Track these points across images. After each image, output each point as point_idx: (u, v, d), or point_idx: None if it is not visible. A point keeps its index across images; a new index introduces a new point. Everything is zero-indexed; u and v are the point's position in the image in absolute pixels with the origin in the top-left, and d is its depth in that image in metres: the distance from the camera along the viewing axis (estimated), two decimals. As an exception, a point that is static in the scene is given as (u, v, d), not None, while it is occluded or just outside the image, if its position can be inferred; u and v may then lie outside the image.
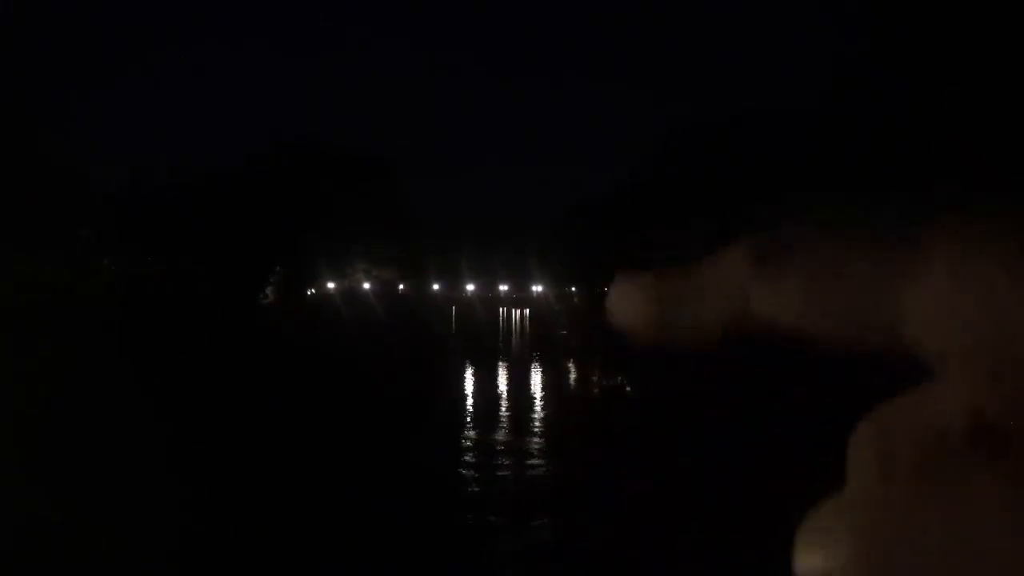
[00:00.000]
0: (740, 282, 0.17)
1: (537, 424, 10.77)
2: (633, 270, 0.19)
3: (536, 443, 9.34)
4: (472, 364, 17.95)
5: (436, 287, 65.15)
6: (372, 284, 43.83)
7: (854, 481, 0.16)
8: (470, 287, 75.87)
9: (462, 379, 15.96)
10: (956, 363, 0.14)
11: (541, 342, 25.60)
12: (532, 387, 15.24)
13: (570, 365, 18.63)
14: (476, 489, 7.29)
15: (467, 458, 8.50)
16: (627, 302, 0.19)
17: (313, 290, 40.02)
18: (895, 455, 0.15)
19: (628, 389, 14.85)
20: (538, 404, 12.83)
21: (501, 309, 59.16)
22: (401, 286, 49.95)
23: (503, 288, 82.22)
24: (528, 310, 54.10)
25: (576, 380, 17.03)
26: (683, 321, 0.18)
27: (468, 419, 11.20)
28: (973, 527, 0.13)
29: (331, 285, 41.33)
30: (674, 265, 0.19)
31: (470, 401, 13.12)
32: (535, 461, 8.45)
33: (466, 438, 9.67)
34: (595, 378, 16.71)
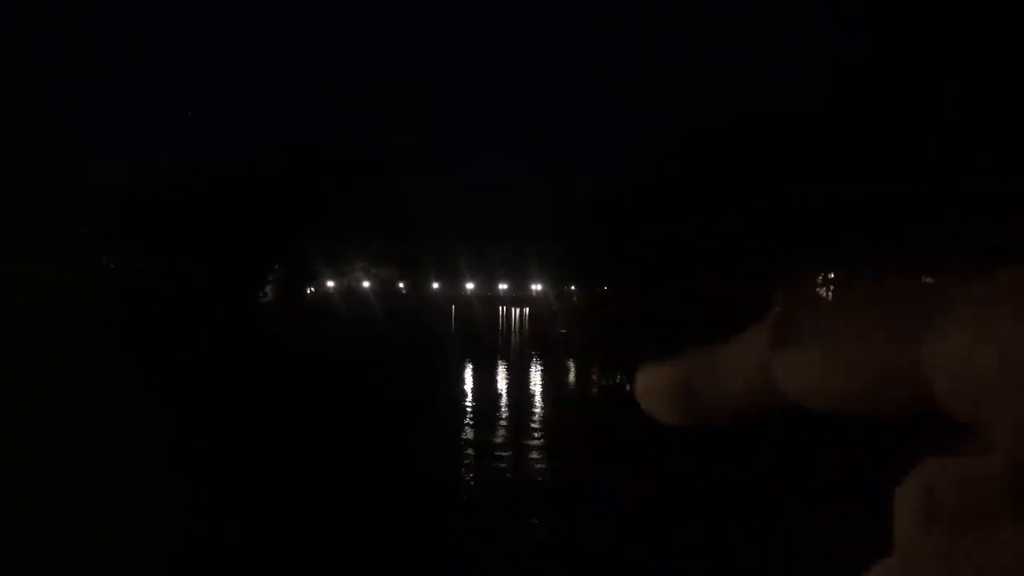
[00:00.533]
0: (764, 361, 0.17)
1: (537, 424, 10.77)
2: (656, 361, 0.20)
3: (536, 443, 9.34)
4: (472, 363, 17.95)
5: (436, 286, 65.14)
6: (372, 283, 43.84)
7: (901, 540, 0.16)
8: (470, 286, 75.86)
9: (462, 378, 15.96)
10: (990, 419, 0.14)
11: (540, 341, 25.61)
12: (532, 386, 15.25)
13: (569, 364, 18.64)
14: (476, 489, 7.30)
15: (467, 458, 8.51)
16: (655, 391, 0.20)
17: (312, 289, 40.02)
18: (940, 515, 0.15)
19: (628, 388, 14.82)
20: (538, 404, 12.84)
21: (501, 308, 59.19)
22: (401, 285, 49.96)
23: (503, 287, 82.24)
24: (527, 309, 54.11)
25: (575, 379, 17.04)
26: (711, 404, 0.18)
27: (468, 419, 11.20)
28: None
29: (331, 284, 41.33)
30: (695, 346, 0.19)
31: (470, 401, 13.12)
32: (535, 461, 8.45)
33: (466, 438, 9.68)
34: (594, 377, 16.72)
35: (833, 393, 0.16)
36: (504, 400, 13.25)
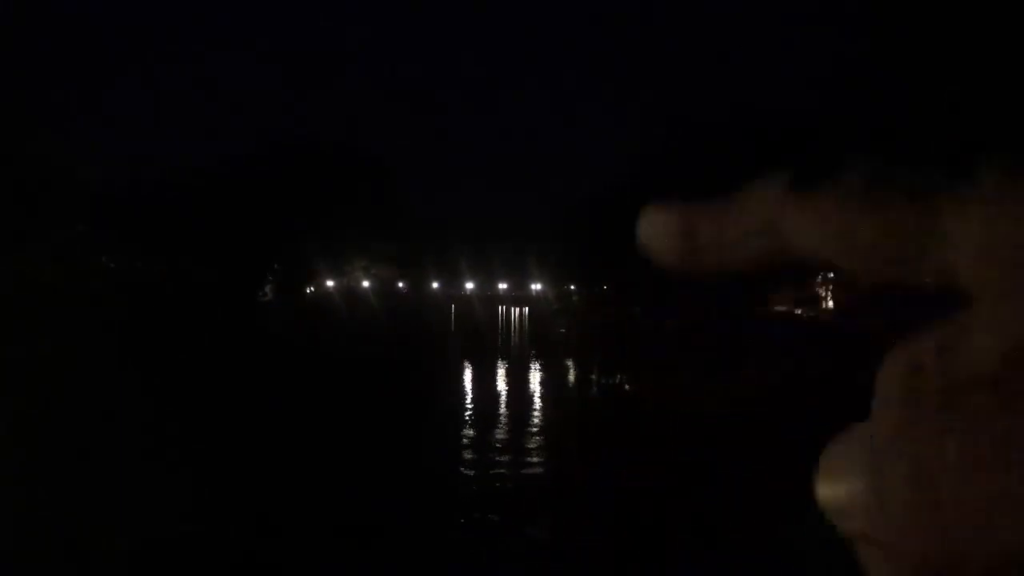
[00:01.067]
0: (775, 211, 0.17)
1: (536, 423, 10.78)
2: (664, 202, 0.19)
3: (535, 442, 9.35)
4: (471, 363, 17.95)
5: (435, 285, 65.17)
6: (371, 282, 43.85)
7: (879, 410, 0.15)
8: (469, 285, 75.84)
9: (462, 378, 15.97)
10: (993, 296, 0.14)
11: (540, 341, 25.61)
12: (531, 386, 15.25)
13: (569, 364, 18.64)
14: (476, 489, 7.30)
15: (467, 457, 8.51)
16: (658, 232, 0.19)
17: (312, 288, 40.05)
18: (923, 386, 0.15)
19: (627, 388, 14.85)
20: (537, 403, 12.84)
21: (500, 307, 59.18)
22: (400, 284, 49.99)
23: (502, 286, 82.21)
24: (527, 308, 54.11)
25: (575, 379, 17.04)
26: (716, 252, 0.18)
27: (468, 418, 11.21)
28: (997, 465, 0.13)
29: (330, 283, 41.33)
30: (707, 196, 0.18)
31: (470, 400, 13.12)
32: (534, 461, 8.46)
33: (466, 437, 9.68)
34: (594, 377, 16.72)
35: (846, 247, 0.15)
36: (504, 400, 13.25)
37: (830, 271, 0.15)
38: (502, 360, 19.87)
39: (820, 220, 0.16)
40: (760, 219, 0.17)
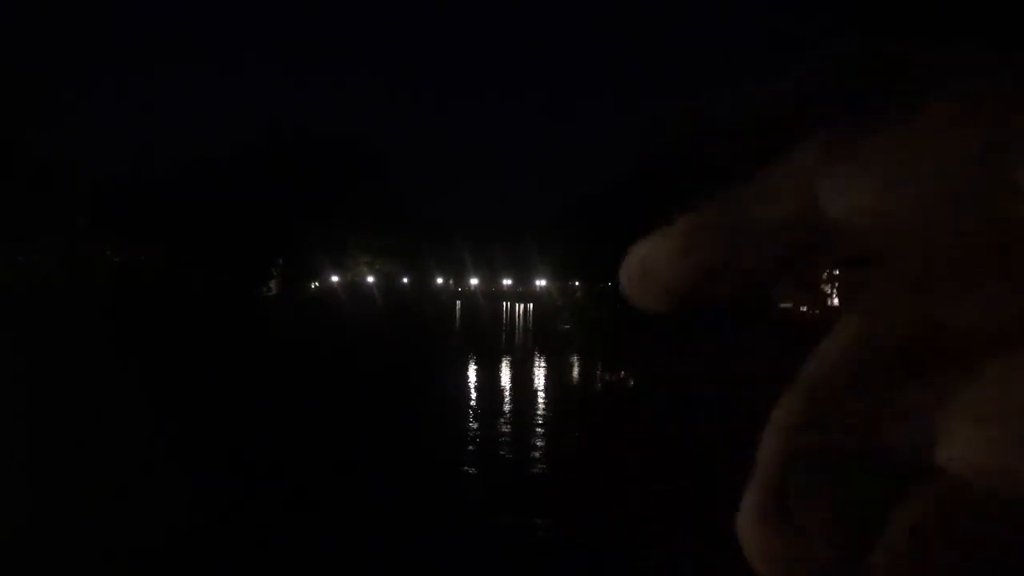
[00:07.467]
0: (812, 179, 0.14)
1: (540, 420, 10.76)
2: (656, 230, 0.16)
3: (538, 440, 9.34)
4: (475, 359, 17.95)
5: (440, 281, 65.20)
6: (375, 278, 43.87)
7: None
8: (473, 281, 75.85)
9: (465, 374, 15.96)
10: None
11: (544, 337, 25.61)
12: (535, 382, 15.24)
13: (573, 360, 18.63)
14: (478, 487, 7.29)
15: (469, 455, 8.50)
16: (655, 267, 0.15)
17: (317, 283, 40.12)
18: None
19: (631, 384, 14.83)
20: (541, 400, 12.82)
21: (504, 303, 59.21)
22: (405, 280, 50.02)
23: (506, 282, 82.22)
24: (531, 304, 54.14)
25: (579, 375, 17.03)
26: (735, 264, 0.15)
27: (471, 415, 11.20)
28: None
29: (335, 278, 41.37)
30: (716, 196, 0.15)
31: (473, 397, 13.12)
32: (537, 458, 8.45)
33: (468, 434, 9.67)
34: (598, 373, 16.70)
35: (897, 213, 0.12)
36: (507, 396, 13.25)
37: (868, 254, 0.14)
38: (506, 356, 19.87)
39: (861, 186, 0.13)
40: (793, 197, 0.14)
